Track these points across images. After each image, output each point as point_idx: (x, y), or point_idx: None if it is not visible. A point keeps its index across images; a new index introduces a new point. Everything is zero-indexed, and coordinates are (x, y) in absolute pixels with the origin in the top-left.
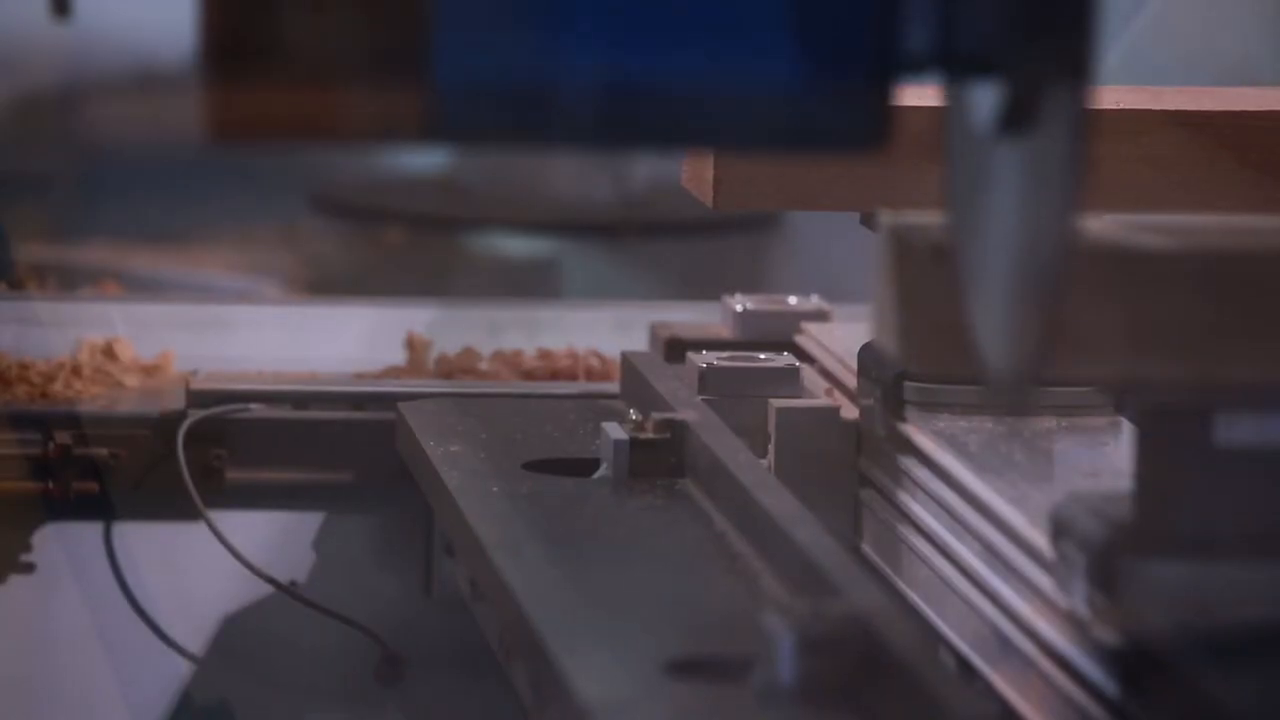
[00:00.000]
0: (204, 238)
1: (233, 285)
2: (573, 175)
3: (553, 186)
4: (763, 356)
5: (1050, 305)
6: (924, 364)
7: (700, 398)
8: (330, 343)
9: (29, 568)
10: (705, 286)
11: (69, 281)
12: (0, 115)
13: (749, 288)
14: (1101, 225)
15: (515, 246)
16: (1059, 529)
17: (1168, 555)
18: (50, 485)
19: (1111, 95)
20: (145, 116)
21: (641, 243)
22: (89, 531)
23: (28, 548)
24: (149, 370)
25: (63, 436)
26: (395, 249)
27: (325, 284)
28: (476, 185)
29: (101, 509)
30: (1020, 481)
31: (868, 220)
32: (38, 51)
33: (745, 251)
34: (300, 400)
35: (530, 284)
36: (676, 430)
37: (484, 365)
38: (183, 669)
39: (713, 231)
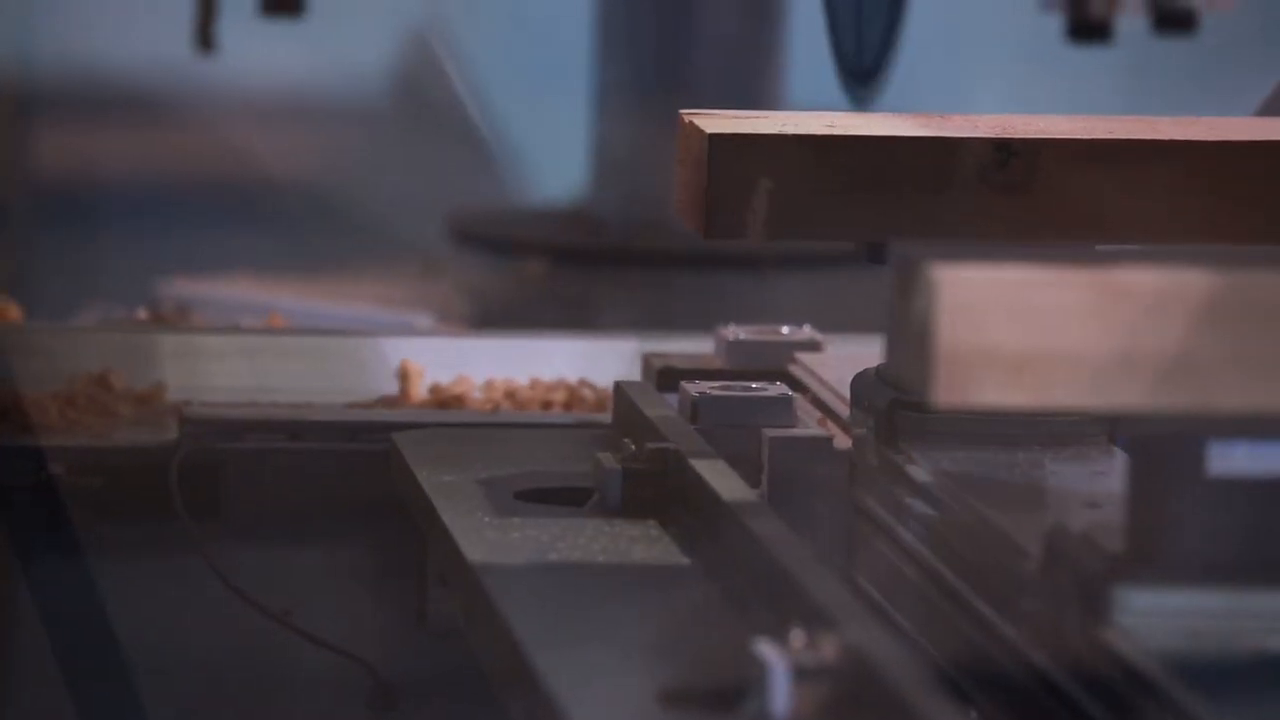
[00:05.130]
0: (343, 270)
1: (386, 319)
2: None
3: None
4: (755, 386)
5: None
6: (937, 393)
7: (693, 427)
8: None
9: (21, 600)
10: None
11: (221, 317)
12: None
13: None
14: (1095, 255)
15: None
16: (1051, 557)
17: (1160, 583)
18: (42, 516)
19: (1105, 125)
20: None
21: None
22: (81, 563)
23: (19, 580)
24: (143, 400)
25: (55, 467)
26: (537, 280)
27: (481, 317)
28: (611, 216)
29: (94, 539)
30: (1015, 511)
31: (863, 251)
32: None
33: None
34: (294, 430)
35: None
36: (670, 460)
37: (477, 395)
38: (176, 700)
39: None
